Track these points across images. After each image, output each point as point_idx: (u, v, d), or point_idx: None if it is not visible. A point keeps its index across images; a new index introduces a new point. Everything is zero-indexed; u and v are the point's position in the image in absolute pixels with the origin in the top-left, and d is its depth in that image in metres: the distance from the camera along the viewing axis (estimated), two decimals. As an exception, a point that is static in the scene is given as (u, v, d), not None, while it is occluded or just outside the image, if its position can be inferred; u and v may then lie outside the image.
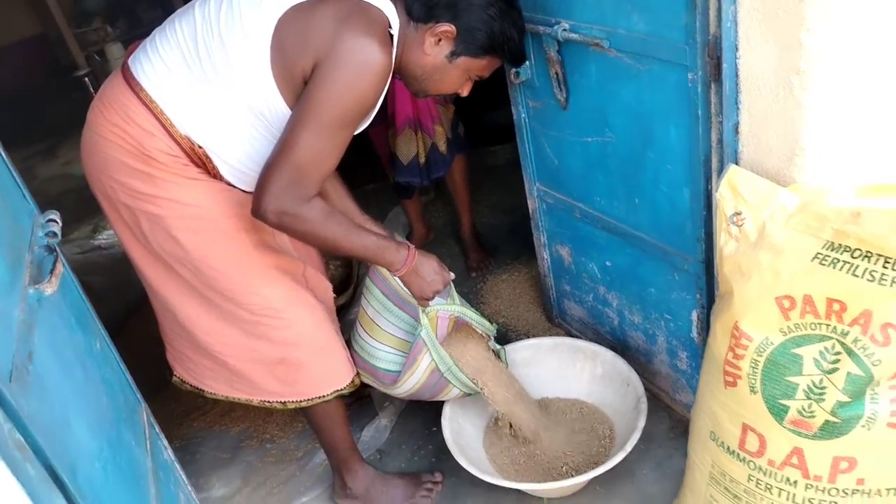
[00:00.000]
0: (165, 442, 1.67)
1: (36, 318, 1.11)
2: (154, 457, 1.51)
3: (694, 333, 1.78)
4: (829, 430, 1.24)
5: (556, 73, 1.77)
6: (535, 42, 1.79)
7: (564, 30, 1.66)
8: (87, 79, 5.18)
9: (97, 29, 5.57)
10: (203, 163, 1.47)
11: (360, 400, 2.24)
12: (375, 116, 2.06)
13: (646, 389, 1.88)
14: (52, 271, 1.18)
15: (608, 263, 1.98)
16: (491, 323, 1.88)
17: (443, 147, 2.45)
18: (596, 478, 1.85)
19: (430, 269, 1.61)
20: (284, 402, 1.71)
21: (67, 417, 1.09)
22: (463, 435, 1.90)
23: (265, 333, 1.60)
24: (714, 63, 1.38)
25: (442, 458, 2.02)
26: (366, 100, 1.40)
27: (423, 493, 1.91)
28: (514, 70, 1.87)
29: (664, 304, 1.84)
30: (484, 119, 3.04)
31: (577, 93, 1.76)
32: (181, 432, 2.31)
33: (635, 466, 1.89)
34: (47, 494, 0.90)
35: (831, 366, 1.22)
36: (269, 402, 1.72)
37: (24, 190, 1.34)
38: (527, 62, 1.84)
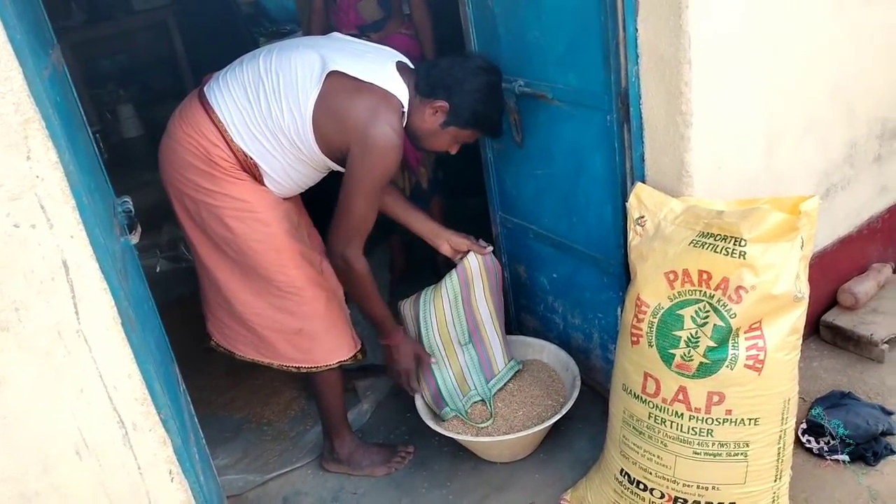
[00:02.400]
0: (188, 397, 2.05)
1: (125, 260, 1.53)
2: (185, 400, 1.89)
3: (619, 327, 2.22)
4: (703, 370, 1.67)
5: (515, 120, 2.27)
6: (498, 95, 2.30)
7: (521, 85, 2.17)
8: (97, 135, 5.66)
9: (110, 91, 6.08)
10: (251, 171, 1.94)
11: (346, 392, 2.62)
12: None
13: (584, 383, 2.29)
14: (133, 230, 1.61)
15: (554, 275, 2.43)
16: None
17: (424, 184, 2.95)
18: (541, 446, 2.26)
19: (404, 355, 2.21)
20: (298, 367, 2.12)
21: (144, 327, 1.50)
22: (432, 409, 2.29)
23: (288, 307, 2.04)
24: (625, 108, 1.87)
25: (414, 437, 2.40)
26: (389, 171, 1.95)
27: (398, 459, 2.29)
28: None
29: (597, 305, 2.29)
30: (461, 176, 3.54)
31: (530, 134, 2.26)
32: (188, 419, 2.67)
33: (573, 440, 2.29)
34: (144, 359, 1.31)
35: (703, 321, 1.67)
36: (286, 366, 2.13)
37: (107, 178, 1.79)
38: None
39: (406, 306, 2.30)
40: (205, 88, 1.97)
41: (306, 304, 2.05)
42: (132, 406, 1.26)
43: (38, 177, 1.09)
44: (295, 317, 2.05)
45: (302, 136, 1.90)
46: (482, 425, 2.22)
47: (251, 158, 1.92)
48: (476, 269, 2.25)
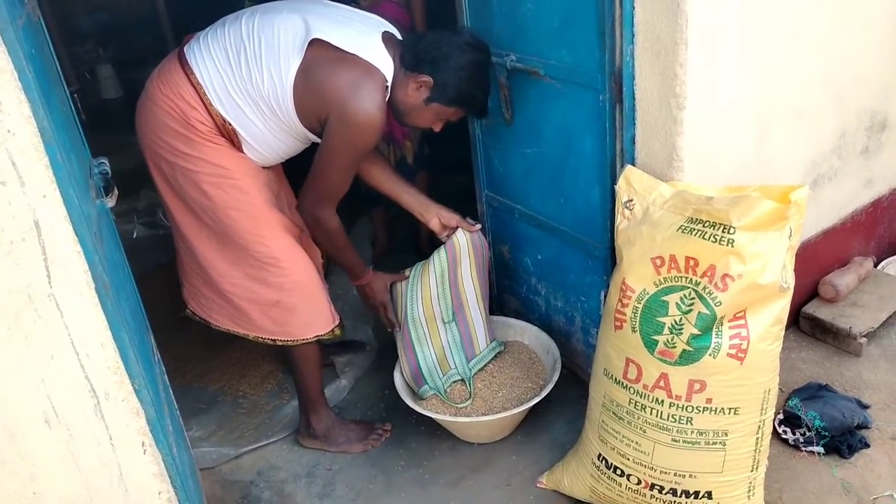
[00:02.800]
0: (162, 367, 2.01)
1: (100, 223, 1.48)
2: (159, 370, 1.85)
3: (602, 311, 2.21)
4: (686, 358, 1.66)
5: (505, 96, 2.23)
6: (490, 71, 2.25)
7: (512, 60, 2.13)
8: (75, 95, 5.52)
9: (89, 50, 5.92)
10: (230, 137, 1.88)
11: (325, 367, 2.59)
12: None
13: (564, 366, 2.28)
14: (109, 193, 1.56)
15: (539, 257, 2.41)
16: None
17: (410, 159, 2.90)
18: (519, 428, 2.25)
19: (378, 291, 2.24)
20: (274, 339, 2.08)
21: (119, 294, 1.45)
22: (410, 387, 2.27)
23: (265, 278, 1.99)
24: (618, 88, 1.84)
25: (392, 415, 2.38)
26: (367, 146, 1.91)
27: (375, 436, 2.27)
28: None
29: (581, 288, 2.27)
30: (447, 152, 3.50)
31: (520, 112, 2.22)
32: (162, 389, 2.62)
33: (551, 423, 2.28)
34: (118, 327, 1.27)
35: (688, 308, 1.65)
36: (261, 337, 2.09)
37: (83, 138, 1.72)
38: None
39: (397, 285, 2.28)
40: (185, 48, 1.91)
41: (284, 275, 2.01)
42: (105, 375, 1.22)
43: (9, 131, 1.04)
44: (272, 288, 2.01)
45: (282, 104, 1.85)
46: (461, 405, 2.21)
47: (229, 124, 1.86)
48: (464, 246, 2.23)
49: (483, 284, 2.32)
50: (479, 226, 2.27)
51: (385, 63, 1.86)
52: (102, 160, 1.69)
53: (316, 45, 1.81)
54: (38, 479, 1.22)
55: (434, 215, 2.23)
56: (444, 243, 2.24)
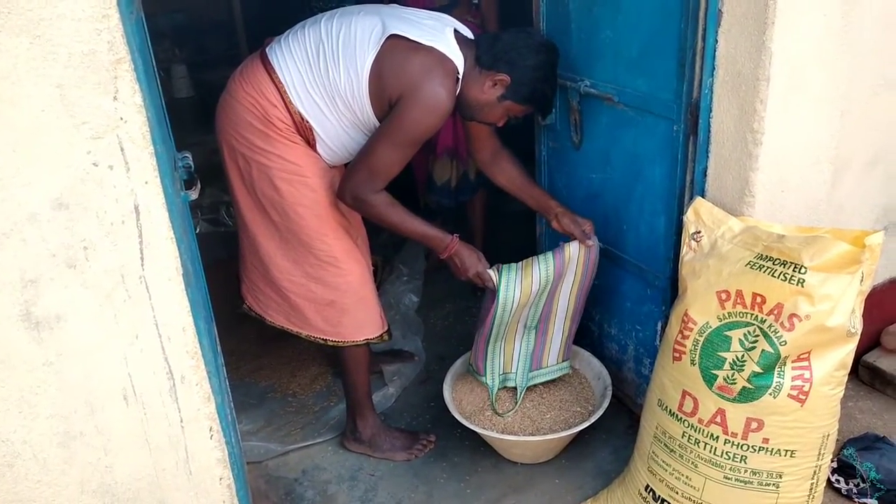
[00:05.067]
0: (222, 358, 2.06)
1: (184, 213, 1.54)
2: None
3: (657, 341, 2.19)
4: (745, 395, 1.64)
5: (575, 120, 2.25)
6: (562, 94, 2.28)
7: (586, 86, 2.15)
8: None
9: (166, 49, 6.11)
10: (306, 135, 1.94)
11: (373, 374, 2.62)
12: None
13: (613, 395, 2.26)
14: (192, 186, 1.62)
15: (596, 282, 2.40)
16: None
17: (472, 176, 2.94)
18: (563, 452, 2.24)
19: (468, 257, 2.05)
20: (326, 339, 2.12)
21: (197, 283, 1.50)
22: (458, 401, 2.29)
23: (323, 277, 2.04)
24: (693, 120, 1.85)
25: (437, 427, 2.40)
26: (429, 130, 1.91)
27: (419, 446, 2.29)
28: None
29: (637, 317, 2.26)
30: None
31: (589, 137, 2.24)
32: (214, 381, 2.69)
33: (597, 450, 2.27)
34: (198, 314, 1.31)
35: (752, 345, 1.64)
36: (314, 336, 2.13)
37: (170, 132, 1.79)
38: (553, 111, 2.33)
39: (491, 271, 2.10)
40: (267, 50, 1.99)
41: (342, 275, 2.05)
42: (183, 359, 1.26)
43: (122, 118, 1.10)
44: (329, 288, 2.06)
45: (357, 97, 1.90)
46: (504, 414, 2.21)
47: (307, 121, 1.93)
48: (574, 259, 2.13)
49: (580, 302, 2.25)
50: (595, 241, 2.15)
51: (457, 56, 1.91)
52: (186, 154, 1.75)
53: (392, 39, 1.87)
54: (112, 453, 1.27)
55: (553, 217, 2.18)
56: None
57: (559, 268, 2.11)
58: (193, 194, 1.60)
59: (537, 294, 2.13)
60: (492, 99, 1.98)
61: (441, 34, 1.91)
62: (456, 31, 1.96)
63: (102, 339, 1.20)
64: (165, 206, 1.18)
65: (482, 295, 2.18)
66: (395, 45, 1.87)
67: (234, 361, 2.73)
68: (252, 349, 2.82)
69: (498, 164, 2.25)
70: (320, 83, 1.90)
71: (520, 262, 2.11)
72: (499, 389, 2.28)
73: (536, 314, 2.21)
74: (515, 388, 2.29)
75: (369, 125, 1.96)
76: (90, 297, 1.17)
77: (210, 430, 1.34)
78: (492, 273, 2.06)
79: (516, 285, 2.07)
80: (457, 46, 1.91)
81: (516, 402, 2.26)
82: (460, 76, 1.93)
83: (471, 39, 2.00)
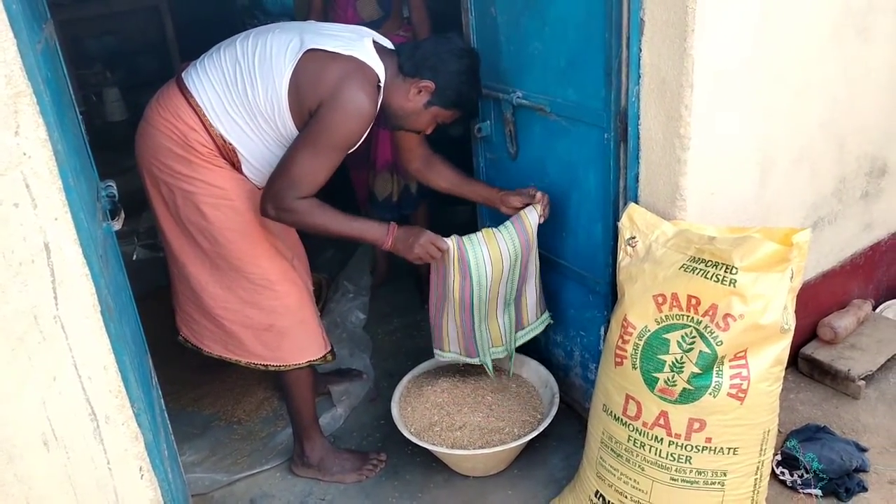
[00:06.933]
0: (159, 390, 1.99)
1: (106, 246, 1.49)
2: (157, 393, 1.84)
3: (601, 346, 2.21)
4: (686, 396, 1.66)
5: (510, 131, 2.25)
6: (496, 106, 2.29)
7: (518, 97, 2.16)
8: (81, 116, 5.55)
9: (97, 73, 5.96)
10: (230, 157, 1.90)
11: (321, 395, 2.58)
12: (358, 160, 2.67)
13: (562, 401, 2.27)
14: (115, 216, 1.57)
15: (549, 311, 2.41)
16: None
17: (413, 189, 2.92)
18: (515, 462, 2.24)
19: (412, 234, 1.97)
20: (267, 365, 2.07)
21: (122, 317, 1.45)
22: (407, 418, 2.26)
23: (258, 301, 1.99)
24: (623, 127, 1.87)
25: (387, 445, 2.37)
26: (352, 136, 1.86)
27: (369, 467, 2.25)
28: (477, 127, 2.36)
29: (580, 322, 2.27)
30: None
31: (525, 147, 2.24)
32: (156, 412, 2.60)
33: (548, 458, 2.27)
34: (121, 350, 1.26)
35: (689, 346, 1.66)
36: (254, 363, 2.08)
37: (92, 161, 1.74)
38: (487, 122, 2.34)
39: (452, 248, 2.04)
40: (182, 74, 1.94)
41: (278, 298, 2.01)
42: (106, 398, 1.21)
43: (24, 154, 1.05)
44: (265, 312, 2.01)
45: (278, 112, 1.86)
46: (495, 351, 2.29)
47: (229, 143, 1.89)
48: (535, 224, 2.11)
49: (536, 256, 2.21)
50: (543, 195, 2.12)
51: (377, 64, 1.89)
52: (110, 183, 1.70)
53: (309, 53, 1.85)
54: (35, 502, 1.21)
55: (499, 202, 2.17)
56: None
57: (523, 238, 2.10)
58: (117, 224, 1.55)
59: (510, 269, 2.10)
60: (418, 106, 1.98)
61: (359, 43, 1.89)
62: (375, 43, 1.94)
63: (17, 384, 1.15)
64: (78, 242, 1.13)
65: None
66: (313, 57, 1.84)
67: (175, 391, 2.66)
68: (194, 377, 2.74)
69: (433, 169, 2.25)
70: (239, 102, 1.86)
71: (478, 233, 2.08)
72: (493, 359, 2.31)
73: (513, 289, 2.19)
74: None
75: (292, 140, 1.92)
76: (1, 340, 1.11)
77: (140, 469, 1.29)
78: (447, 240, 2.02)
79: (485, 260, 2.04)
80: (376, 55, 1.90)
81: (510, 368, 2.36)
82: (381, 84, 1.91)
83: (391, 50, 1.99)
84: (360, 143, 1.91)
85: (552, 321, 2.36)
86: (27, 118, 1.04)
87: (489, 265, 2.06)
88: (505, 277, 2.12)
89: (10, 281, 1.09)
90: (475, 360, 2.28)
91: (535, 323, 2.33)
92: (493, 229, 2.10)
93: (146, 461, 1.30)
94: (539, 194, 2.11)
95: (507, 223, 2.12)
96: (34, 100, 1.05)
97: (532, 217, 2.11)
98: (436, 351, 2.30)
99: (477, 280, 2.07)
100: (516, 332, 2.31)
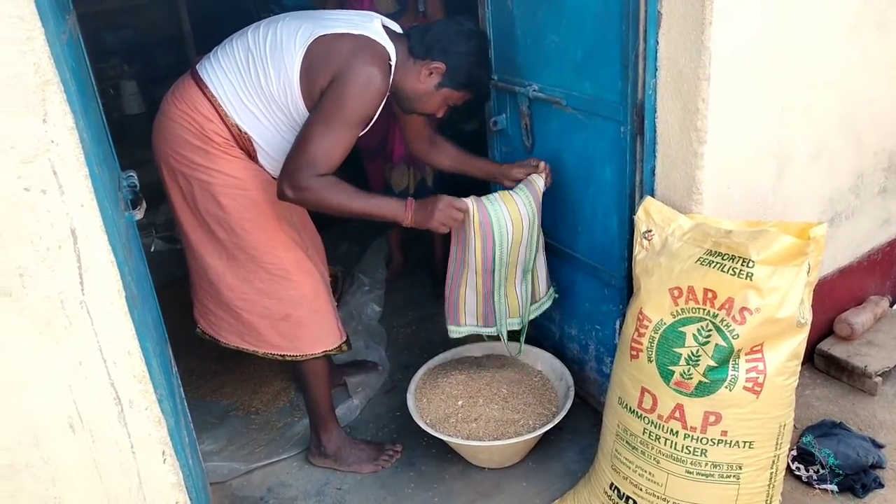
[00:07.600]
0: (179, 379, 2.02)
1: (128, 235, 1.51)
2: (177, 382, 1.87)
3: (617, 339, 2.21)
4: (702, 390, 1.67)
5: (526, 124, 2.26)
6: (512, 99, 2.29)
7: (535, 90, 2.16)
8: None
9: (114, 66, 6.01)
10: (246, 147, 1.92)
11: (337, 386, 2.60)
12: (374, 152, 2.69)
13: (577, 394, 2.28)
14: (137, 205, 1.59)
15: (554, 284, 2.42)
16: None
17: (430, 182, 2.93)
18: (530, 455, 2.25)
19: (430, 203, 1.95)
20: (283, 355, 2.09)
21: (144, 304, 1.48)
22: (423, 409, 2.28)
23: (275, 291, 2.01)
24: (639, 120, 1.87)
25: (403, 436, 2.38)
26: (365, 110, 1.85)
27: (385, 457, 2.27)
28: (493, 120, 2.37)
29: (595, 316, 2.28)
30: (467, 177, 3.54)
31: (541, 140, 2.25)
32: (174, 402, 2.64)
33: (563, 450, 2.28)
34: (144, 336, 1.29)
35: (705, 339, 1.66)
36: (271, 353, 2.10)
37: (114, 151, 1.76)
38: (503, 115, 2.35)
39: (472, 210, 2.02)
40: (197, 66, 1.97)
41: (294, 288, 2.03)
42: (130, 383, 1.23)
43: (52, 141, 1.07)
44: (282, 302, 2.03)
45: (291, 98, 1.88)
46: (512, 322, 2.27)
47: (245, 133, 1.91)
48: (542, 188, 2.13)
49: (540, 228, 2.20)
50: (546, 164, 2.15)
51: (387, 43, 1.90)
52: (131, 173, 1.73)
53: (320, 38, 1.86)
54: (60, 483, 1.24)
55: (503, 176, 2.20)
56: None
57: (537, 201, 2.11)
58: (138, 214, 1.57)
59: (529, 231, 2.09)
60: (429, 88, 1.99)
61: (369, 24, 1.91)
62: (385, 27, 1.96)
63: (44, 368, 1.17)
64: (104, 229, 1.15)
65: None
66: (323, 41, 1.86)
67: (193, 380, 2.69)
68: (212, 367, 2.78)
69: (438, 148, 2.29)
70: (253, 91, 1.89)
71: (495, 193, 2.08)
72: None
73: (532, 256, 2.18)
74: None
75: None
76: (29, 325, 1.14)
77: (163, 453, 1.31)
78: (465, 200, 2.00)
79: (506, 218, 2.03)
80: (386, 35, 1.91)
81: (520, 345, 2.34)
82: (392, 63, 1.92)
83: (401, 33, 2.01)
84: (372, 122, 1.92)
85: (557, 296, 2.37)
86: (55, 106, 1.06)
87: (510, 224, 2.04)
88: (525, 242, 2.10)
89: (38, 266, 1.12)
90: (492, 330, 2.25)
91: (545, 297, 2.34)
92: (510, 191, 2.10)
93: (168, 446, 1.32)
94: (542, 164, 2.14)
95: (521, 185, 2.13)
96: (61, 88, 1.07)
97: (539, 183, 2.13)
98: (450, 328, 2.26)
99: (499, 240, 2.05)
100: (531, 305, 2.31)
